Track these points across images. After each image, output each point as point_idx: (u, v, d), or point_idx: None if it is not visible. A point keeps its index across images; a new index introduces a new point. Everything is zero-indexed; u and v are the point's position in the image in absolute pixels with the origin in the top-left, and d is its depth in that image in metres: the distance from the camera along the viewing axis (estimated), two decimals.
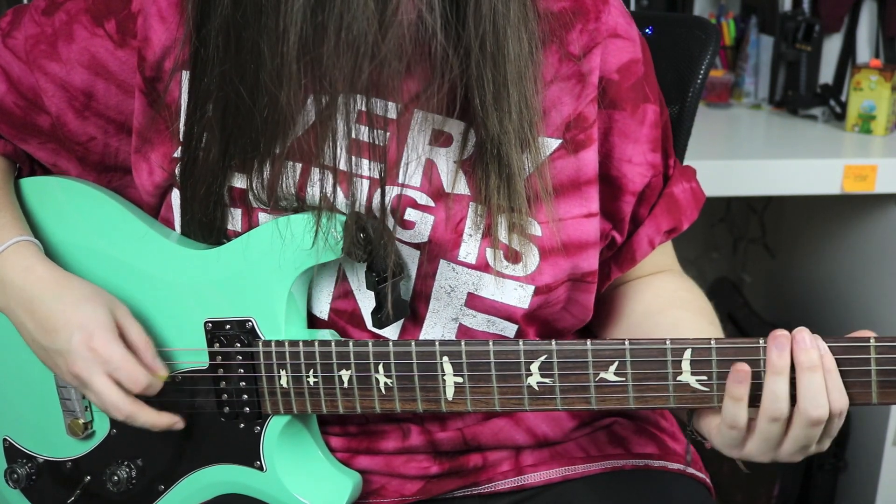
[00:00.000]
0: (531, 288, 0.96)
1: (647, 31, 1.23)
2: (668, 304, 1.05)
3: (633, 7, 2.08)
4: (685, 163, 1.16)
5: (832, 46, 2.15)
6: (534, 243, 0.95)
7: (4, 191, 1.04)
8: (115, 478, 1.03)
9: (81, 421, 1.04)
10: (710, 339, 0.86)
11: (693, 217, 1.07)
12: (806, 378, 0.83)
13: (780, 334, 0.84)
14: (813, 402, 0.83)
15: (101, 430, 1.05)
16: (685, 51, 1.21)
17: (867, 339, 0.83)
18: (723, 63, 2.20)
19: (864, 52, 2.16)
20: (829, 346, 0.84)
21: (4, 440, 1.10)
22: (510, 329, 0.98)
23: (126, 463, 1.04)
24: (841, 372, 0.84)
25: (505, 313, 0.97)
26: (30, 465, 1.09)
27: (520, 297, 0.96)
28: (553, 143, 0.96)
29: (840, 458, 1.96)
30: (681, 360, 0.86)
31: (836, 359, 0.84)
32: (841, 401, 0.84)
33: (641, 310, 1.05)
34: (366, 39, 0.82)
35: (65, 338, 0.94)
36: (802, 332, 0.84)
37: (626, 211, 1.02)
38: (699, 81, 1.19)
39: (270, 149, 0.90)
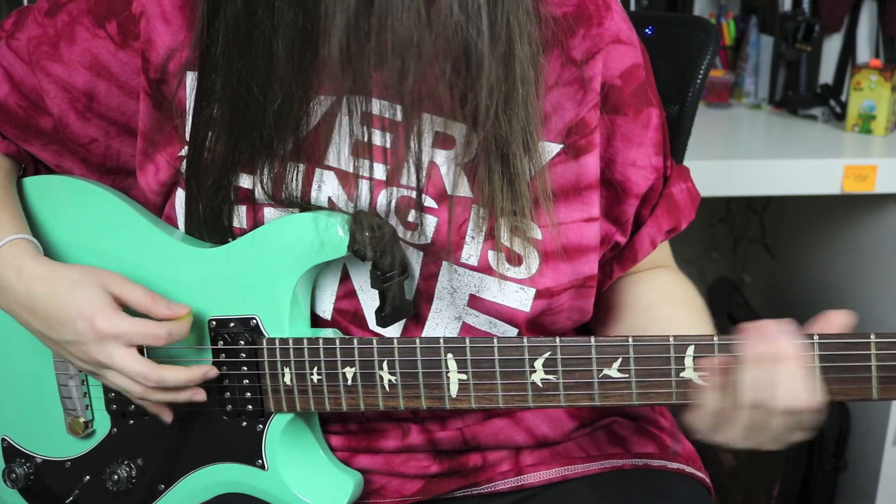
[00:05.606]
0: (532, 291, 0.96)
1: (647, 31, 1.23)
2: (661, 299, 1.06)
3: (632, 7, 2.08)
4: (685, 163, 1.17)
5: (832, 46, 2.15)
6: (534, 246, 0.95)
7: (6, 190, 1.03)
8: (115, 477, 1.03)
9: (82, 419, 1.04)
10: (712, 335, 0.86)
11: (691, 217, 1.08)
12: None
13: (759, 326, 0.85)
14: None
15: (102, 428, 1.05)
16: (685, 51, 1.21)
17: (867, 335, 0.84)
18: (723, 63, 2.20)
19: (864, 52, 2.16)
20: (830, 343, 0.84)
21: (3, 440, 1.10)
22: (511, 332, 0.98)
23: (126, 462, 1.03)
24: (841, 367, 0.84)
25: (506, 316, 0.97)
26: (28, 464, 1.08)
27: (521, 299, 0.96)
28: (554, 148, 0.96)
29: (840, 458, 1.96)
30: (684, 357, 0.87)
31: (836, 354, 0.84)
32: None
33: (636, 305, 1.06)
34: (410, 48, 0.82)
35: (70, 329, 0.94)
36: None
37: (629, 213, 1.02)
38: (699, 81, 1.19)
39: (280, 145, 0.90)
